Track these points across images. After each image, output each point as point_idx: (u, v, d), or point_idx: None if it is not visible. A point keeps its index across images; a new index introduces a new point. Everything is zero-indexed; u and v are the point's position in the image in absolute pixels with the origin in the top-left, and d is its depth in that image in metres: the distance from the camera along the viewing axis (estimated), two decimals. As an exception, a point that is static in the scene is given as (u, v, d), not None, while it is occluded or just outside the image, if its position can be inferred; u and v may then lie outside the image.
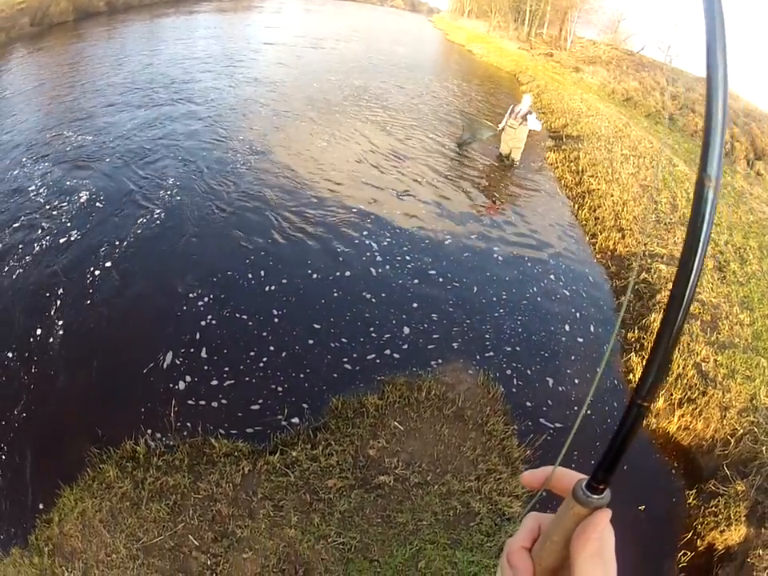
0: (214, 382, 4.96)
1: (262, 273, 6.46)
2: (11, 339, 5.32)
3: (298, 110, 13.61)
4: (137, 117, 11.46)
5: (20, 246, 6.49)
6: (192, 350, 5.30)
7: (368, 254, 7.08)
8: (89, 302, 5.86)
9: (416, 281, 6.65)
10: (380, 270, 6.73)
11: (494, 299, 6.69)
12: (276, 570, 3.47)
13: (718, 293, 7.51)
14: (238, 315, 5.80)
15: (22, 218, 7.03)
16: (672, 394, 5.50)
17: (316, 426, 4.52)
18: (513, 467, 4.38)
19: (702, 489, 4.63)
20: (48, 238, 6.70)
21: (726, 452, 4.87)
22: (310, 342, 5.54)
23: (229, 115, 12.45)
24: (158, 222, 7.26)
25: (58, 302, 5.80)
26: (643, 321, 6.59)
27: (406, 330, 5.85)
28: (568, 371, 5.77)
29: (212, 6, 41.23)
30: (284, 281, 6.38)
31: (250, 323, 5.70)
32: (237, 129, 11.57)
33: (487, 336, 6.00)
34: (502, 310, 6.51)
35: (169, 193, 8.04)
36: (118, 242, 6.70)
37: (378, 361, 5.39)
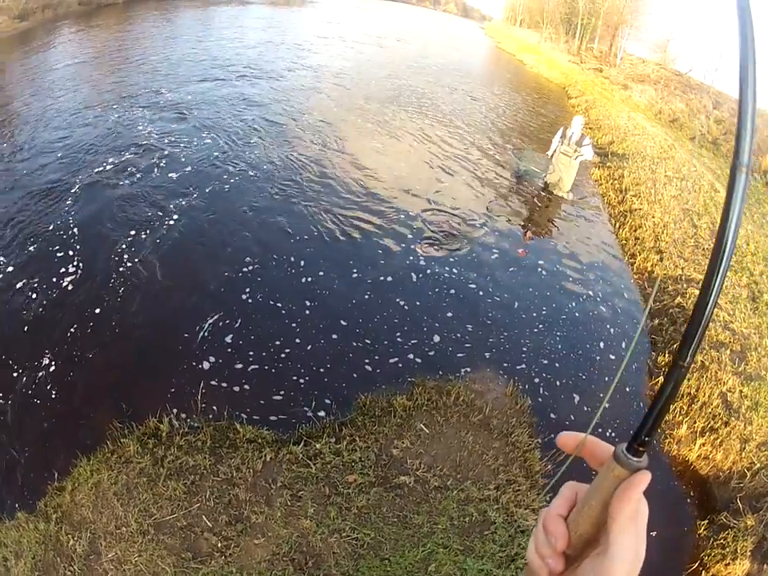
0: (241, 367, 5.01)
1: (302, 263, 6.53)
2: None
3: (358, 107, 13.99)
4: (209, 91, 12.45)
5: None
6: (224, 334, 5.37)
7: (410, 260, 7.09)
8: (134, 272, 6.08)
9: (452, 291, 6.61)
10: (420, 277, 6.71)
11: (534, 314, 6.65)
12: (286, 559, 3.47)
13: (750, 323, 7.36)
14: (271, 302, 5.87)
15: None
16: (695, 422, 5.41)
17: (342, 421, 4.54)
18: (532, 480, 4.33)
19: (713, 520, 4.55)
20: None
21: (741, 485, 4.78)
22: (339, 337, 5.57)
23: (293, 102, 13.11)
24: (218, 191, 7.71)
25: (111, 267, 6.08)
26: (674, 345, 6.43)
27: (437, 338, 5.82)
28: (597, 388, 5.72)
29: None
30: (321, 273, 6.44)
31: (283, 311, 5.76)
32: (299, 117, 12.13)
33: (524, 349, 5.97)
34: (540, 326, 6.47)
35: (229, 168, 8.49)
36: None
37: (404, 364, 5.38)
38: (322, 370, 5.13)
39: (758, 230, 12.18)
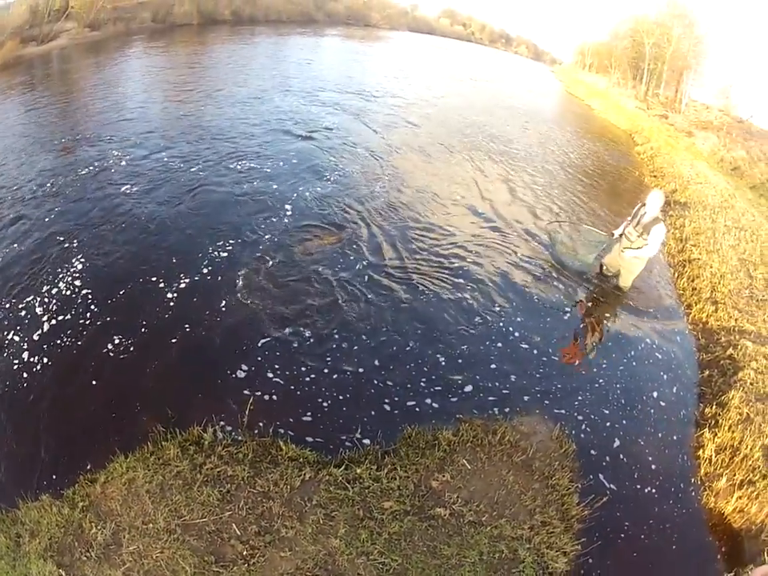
0: (292, 387, 5.11)
1: (363, 290, 6.77)
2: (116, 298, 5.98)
3: (431, 145, 14.19)
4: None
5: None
6: (278, 351, 5.53)
7: (464, 307, 6.99)
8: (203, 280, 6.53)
9: (499, 344, 6.46)
10: (472, 331, 6.56)
11: (592, 362, 6.60)
12: (309, 574, 3.48)
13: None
14: (333, 330, 6.04)
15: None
16: (735, 474, 5.25)
17: (386, 450, 4.57)
18: (568, 523, 4.26)
19: (738, 573, 4.36)
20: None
21: None
22: (392, 368, 5.64)
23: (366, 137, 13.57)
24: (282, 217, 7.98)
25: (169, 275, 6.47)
26: (722, 397, 6.30)
27: (487, 380, 5.79)
28: (644, 434, 5.67)
29: (339, 31, 42.45)
30: (386, 305, 6.61)
31: (336, 336, 5.88)
32: (373, 148, 12.61)
33: (579, 396, 5.91)
34: (601, 374, 6.41)
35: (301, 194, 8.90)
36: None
37: (453, 402, 5.37)
38: (370, 398, 5.19)
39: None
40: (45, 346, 5.28)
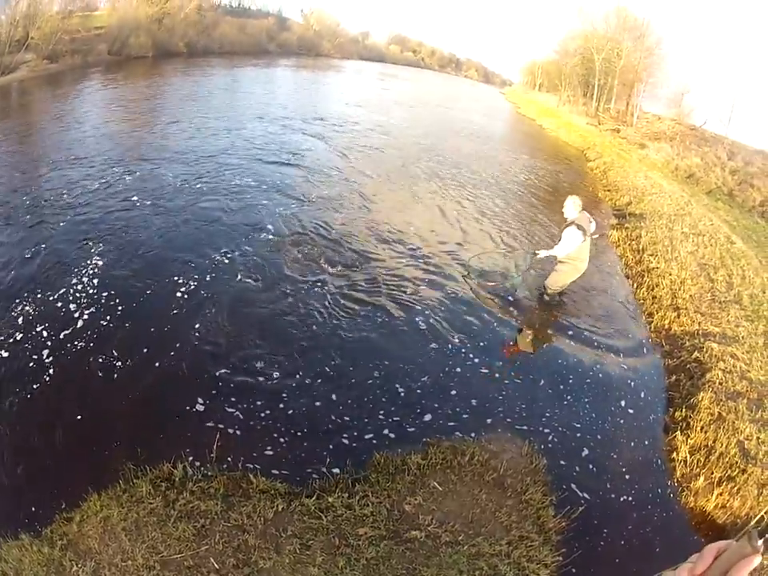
0: (259, 419, 5.11)
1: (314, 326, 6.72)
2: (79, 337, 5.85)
3: (390, 172, 14.72)
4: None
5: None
6: (244, 386, 5.51)
7: (421, 335, 7.01)
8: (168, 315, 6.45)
9: (457, 369, 6.47)
10: (429, 359, 6.56)
11: (559, 380, 6.65)
12: (290, 604, 3.47)
13: (767, 371, 7.36)
14: (294, 357, 6.07)
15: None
16: (713, 473, 5.36)
17: (356, 478, 4.57)
18: (546, 536, 4.31)
19: None
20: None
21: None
22: (355, 399, 5.65)
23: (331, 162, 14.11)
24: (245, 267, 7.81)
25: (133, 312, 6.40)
26: (692, 400, 6.46)
27: (453, 404, 5.82)
28: (615, 442, 5.77)
29: (292, 62, 43.15)
30: (341, 336, 6.61)
31: (291, 370, 5.87)
32: (333, 174, 13.10)
33: (547, 413, 5.97)
34: (567, 389, 6.50)
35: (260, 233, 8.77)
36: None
37: (419, 427, 5.41)
38: (338, 428, 5.19)
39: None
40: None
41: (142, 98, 19.57)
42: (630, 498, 5.04)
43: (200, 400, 5.19)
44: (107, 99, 18.91)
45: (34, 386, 5.13)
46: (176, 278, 7.14)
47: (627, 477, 5.29)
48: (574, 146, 29.46)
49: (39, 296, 6.44)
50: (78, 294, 6.55)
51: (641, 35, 42.90)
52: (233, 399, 5.27)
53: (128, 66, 27.48)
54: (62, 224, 8.28)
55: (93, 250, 7.54)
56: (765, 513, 4.82)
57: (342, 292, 7.55)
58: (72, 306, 6.34)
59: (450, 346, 6.80)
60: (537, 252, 8.72)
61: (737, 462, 5.47)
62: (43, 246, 7.55)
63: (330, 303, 7.21)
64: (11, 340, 5.68)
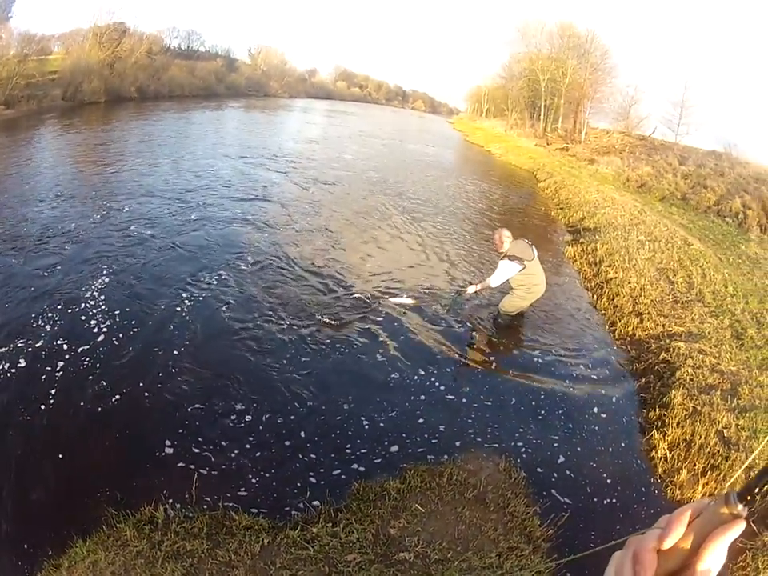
0: (236, 457, 5.14)
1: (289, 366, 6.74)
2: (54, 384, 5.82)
3: (344, 206, 14.98)
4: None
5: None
6: (219, 426, 5.54)
7: (385, 368, 7.03)
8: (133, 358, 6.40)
9: (422, 397, 6.52)
10: (394, 390, 6.59)
11: (530, 398, 6.75)
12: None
13: (737, 360, 7.63)
14: (273, 395, 6.12)
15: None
16: (695, 465, 5.52)
17: (338, 507, 4.60)
18: (534, 544, 4.41)
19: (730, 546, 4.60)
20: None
21: (753, 509, 4.85)
22: (328, 431, 5.71)
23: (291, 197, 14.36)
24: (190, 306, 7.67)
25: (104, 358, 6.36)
26: (664, 399, 6.66)
27: (424, 433, 5.88)
28: (592, 448, 5.93)
29: (242, 103, 43.88)
30: (307, 371, 6.64)
31: (258, 409, 5.89)
32: (293, 211, 13.40)
33: (521, 429, 6.08)
34: (540, 405, 6.62)
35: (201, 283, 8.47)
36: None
37: (396, 453, 5.49)
38: (306, 467, 5.19)
39: (735, 271, 12.67)
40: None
41: (102, 142, 19.78)
42: (614, 500, 5.15)
43: (167, 442, 5.18)
44: (71, 144, 19.28)
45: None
46: (132, 319, 7.22)
47: (608, 480, 5.41)
48: (524, 168, 30.27)
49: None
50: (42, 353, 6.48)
51: (585, 52, 44.28)
52: (199, 440, 5.27)
53: (82, 112, 27.88)
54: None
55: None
56: (743, 470, 4.90)
57: (306, 327, 7.60)
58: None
59: (414, 377, 6.85)
60: (462, 289, 8.96)
61: (719, 451, 5.62)
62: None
63: (294, 339, 7.26)
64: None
